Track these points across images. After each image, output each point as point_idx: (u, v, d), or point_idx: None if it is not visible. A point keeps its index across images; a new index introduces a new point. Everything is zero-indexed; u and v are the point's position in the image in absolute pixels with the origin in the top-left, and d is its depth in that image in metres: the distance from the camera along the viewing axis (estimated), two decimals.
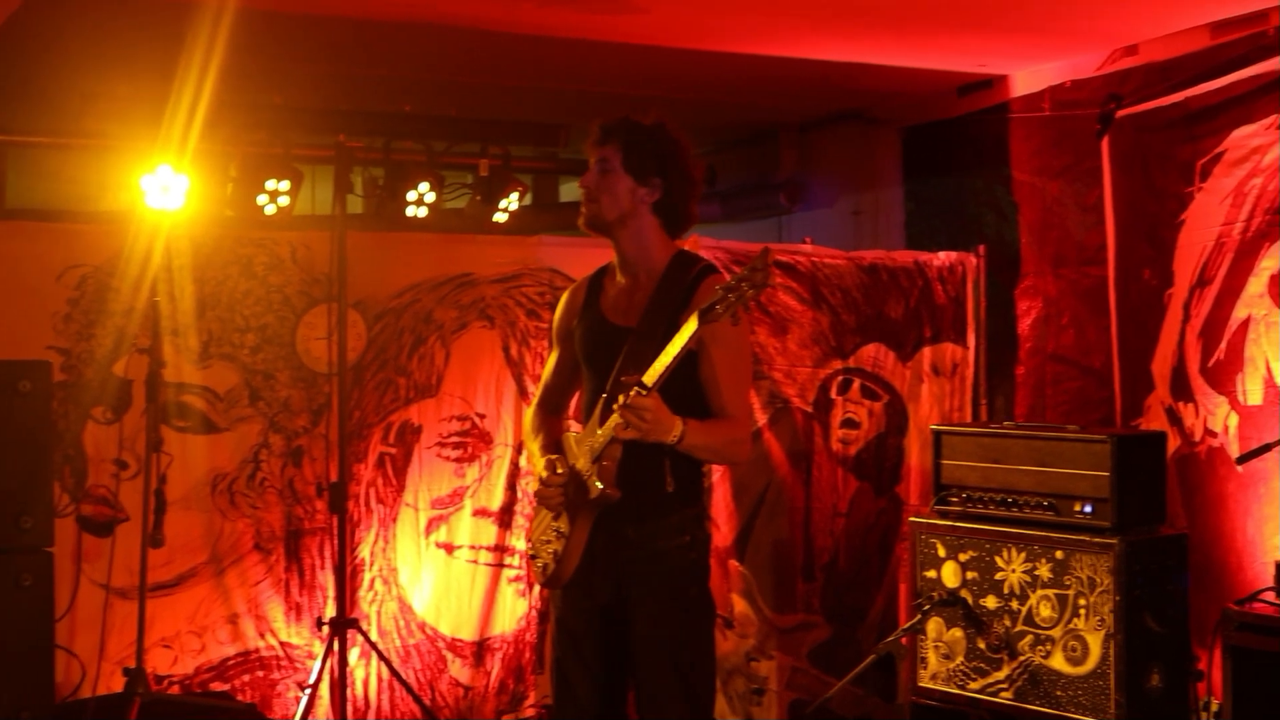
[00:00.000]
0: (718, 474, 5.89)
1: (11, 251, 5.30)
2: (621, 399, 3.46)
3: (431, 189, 6.01)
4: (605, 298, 3.87)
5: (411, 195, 6.00)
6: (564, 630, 3.84)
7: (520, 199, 6.38)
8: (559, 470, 3.72)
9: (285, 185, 5.73)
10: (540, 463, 3.79)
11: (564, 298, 4.02)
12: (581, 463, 3.69)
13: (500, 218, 6.31)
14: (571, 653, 3.81)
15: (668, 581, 3.70)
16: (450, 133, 6.29)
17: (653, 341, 3.63)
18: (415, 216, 6.03)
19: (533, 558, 3.86)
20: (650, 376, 3.48)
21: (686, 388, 3.58)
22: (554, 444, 3.88)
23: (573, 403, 4.09)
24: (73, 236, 5.45)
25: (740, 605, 5.97)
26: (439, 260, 5.88)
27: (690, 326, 3.45)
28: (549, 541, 3.77)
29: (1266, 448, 4.77)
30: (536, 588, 5.85)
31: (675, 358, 3.47)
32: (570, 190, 8.53)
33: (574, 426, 3.93)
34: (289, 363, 5.64)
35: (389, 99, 6.47)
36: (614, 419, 3.54)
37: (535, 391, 4.14)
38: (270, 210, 5.75)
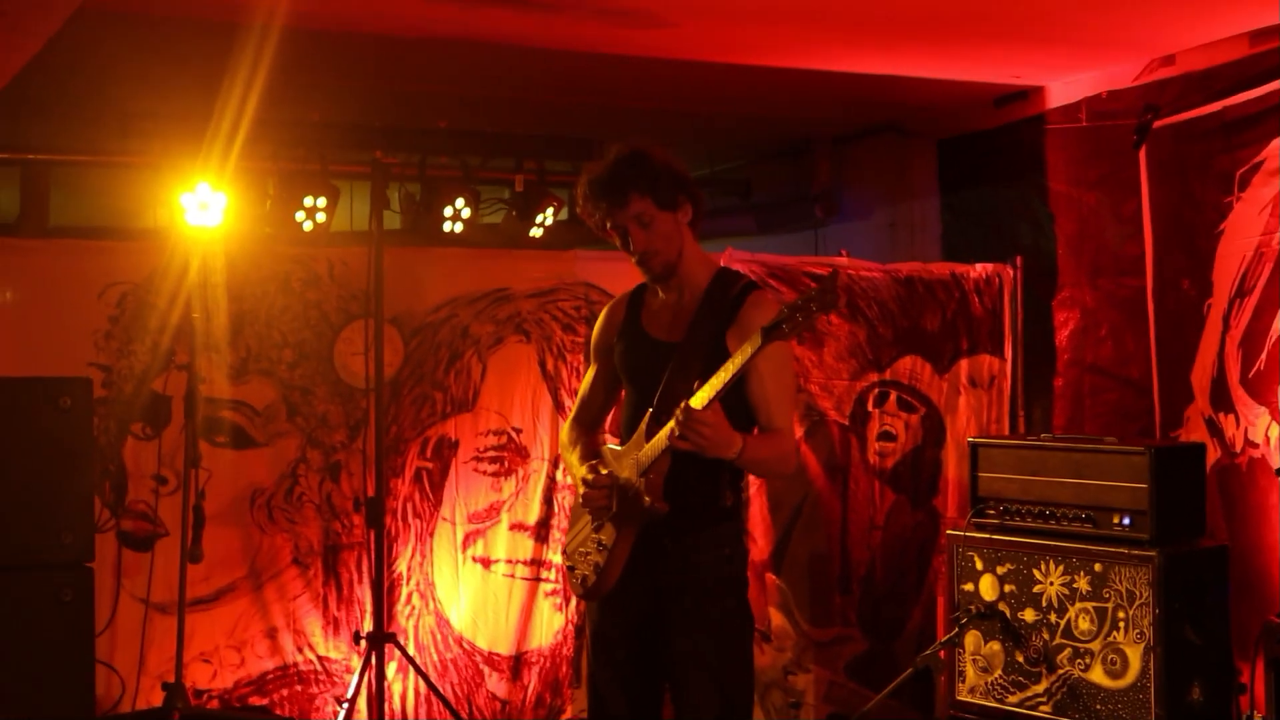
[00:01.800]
0: (754, 487, 5.88)
1: (54, 269, 5.36)
2: (679, 413, 3.46)
3: (467, 204, 6.04)
4: (646, 313, 3.88)
5: (448, 211, 6.02)
6: (600, 643, 3.85)
7: (556, 214, 6.40)
8: (603, 472, 3.73)
9: (322, 202, 5.76)
10: (582, 468, 3.80)
11: (603, 314, 4.03)
12: (626, 474, 3.69)
13: (536, 233, 6.33)
14: (608, 666, 3.81)
15: (708, 594, 3.72)
16: (485, 148, 6.33)
17: (698, 357, 3.66)
18: (451, 232, 6.05)
19: (570, 569, 3.87)
20: (705, 394, 3.49)
21: (733, 402, 3.58)
22: (592, 454, 3.89)
23: (608, 419, 4.11)
24: (113, 254, 5.50)
25: (777, 618, 5.96)
26: (475, 275, 5.90)
27: (754, 343, 3.43)
28: (589, 553, 3.78)
29: None
30: (574, 601, 5.85)
31: (736, 374, 3.47)
32: None
33: (610, 441, 3.94)
34: (326, 378, 5.66)
35: (425, 115, 6.50)
36: (665, 432, 3.55)
37: (571, 407, 4.13)
38: (308, 227, 5.79)
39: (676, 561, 3.70)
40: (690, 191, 3.80)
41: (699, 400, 3.48)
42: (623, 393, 3.97)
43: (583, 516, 3.86)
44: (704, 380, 3.53)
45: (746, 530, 5.69)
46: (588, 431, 4.03)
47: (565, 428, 4.07)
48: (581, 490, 3.77)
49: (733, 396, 3.56)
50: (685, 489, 3.66)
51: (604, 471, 3.74)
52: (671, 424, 3.51)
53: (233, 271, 5.52)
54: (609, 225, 3.77)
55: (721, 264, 3.94)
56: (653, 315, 3.86)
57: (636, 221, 3.71)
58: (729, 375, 3.47)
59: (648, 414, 3.69)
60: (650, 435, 3.64)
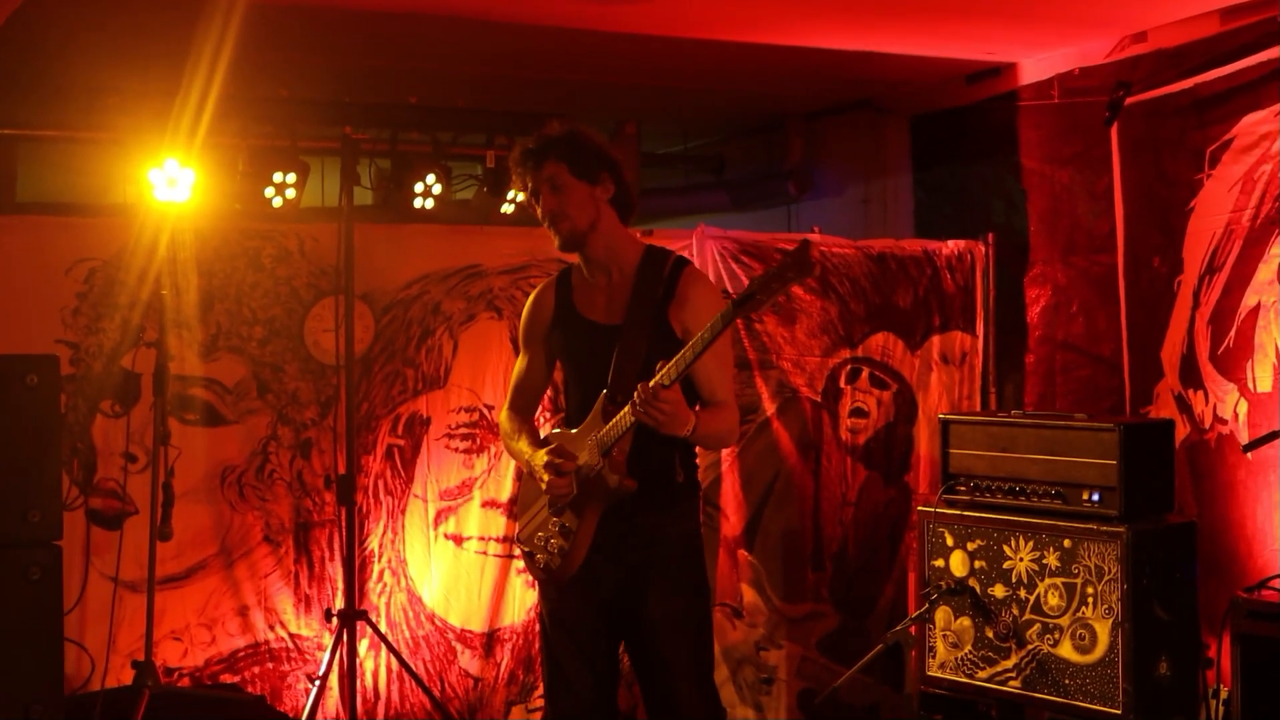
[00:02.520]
0: (726, 463, 5.90)
1: (21, 245, 5.30)
2: (639, 391, 3.49)
3: (438, 180, 6.01)
4: (579, 297, 3.93)
5: (419, 187, 6.00)
6: (560, 626, 3.89)
7: None
8: (564, 458, 3.76)
9: (292, 178, 5.73)
10: (542, 454, 3.81)
11: (530, 301, 4.08)
12: (584, 457, 3.73)
13: (507, 209, 6.31)
14: (570, 647, 3.86)
15: (677, 567, 3.81)
16: (456, 124, 6.29)
17: (643, 337, 3.73)
18: (422, 208, 6.02)
19: (529, 555, 3.90)
20: (671, 372, 3.51)
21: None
22: (539, 441, 3.93)
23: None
24: (81, 230, 5.45)
25: (749, 595, 5.98)
26: (447, 252, 5.87)
27: (725, 316, 3.45)
28: (549, 538, 3.81)
29: (1274, 435, 4.74)
30: None
31: (703, 349, 3.49)
32: None
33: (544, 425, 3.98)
34: (297, 355, 5.63)
35: (395, 91, 6.47)
36: (624, 413, 3.60)
37: (506, 394, 4.18)
38: (278, 203, 5.76)
39: (644, 536, 3.77)
40: (613, 170, 3.85)
41: (664, 377, 3.51)
42: (562, 376, 4.03)
43: (535, 502, 3.90)
44: (656, 359, 3.57)
45: (711, 504, 5.73)
46: (526, 417, 4.09)
47: (503, 417, 4.11)
48: (545, 478, 3.78)
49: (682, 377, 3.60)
50: (645, 466, 3.72)
51: (565, 457, 3.77)
52: (630, 405, 3.54)
53: (202, 248, 5.47)
54: (528, 191, 3.85)
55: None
56: (585, 299, 3.91)
57: (549, 184, 3.79)
58: (698, 350, 3.49)
59: (602, 395, 3.74)
60: (608, 415, 3.69)
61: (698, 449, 3.91)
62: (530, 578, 5.87)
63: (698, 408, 3.74)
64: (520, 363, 4.11)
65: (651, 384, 3.50)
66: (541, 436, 3.99)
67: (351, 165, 5.70)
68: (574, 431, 3.83)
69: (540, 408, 4.27)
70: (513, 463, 5.84)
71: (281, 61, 6.14)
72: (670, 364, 3.52)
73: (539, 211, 3.85)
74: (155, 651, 5.06)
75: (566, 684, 3.87)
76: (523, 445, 3.95)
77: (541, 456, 3.81)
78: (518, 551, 5.82)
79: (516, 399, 4.10)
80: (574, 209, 3.79)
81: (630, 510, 3.74)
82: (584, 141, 3.82)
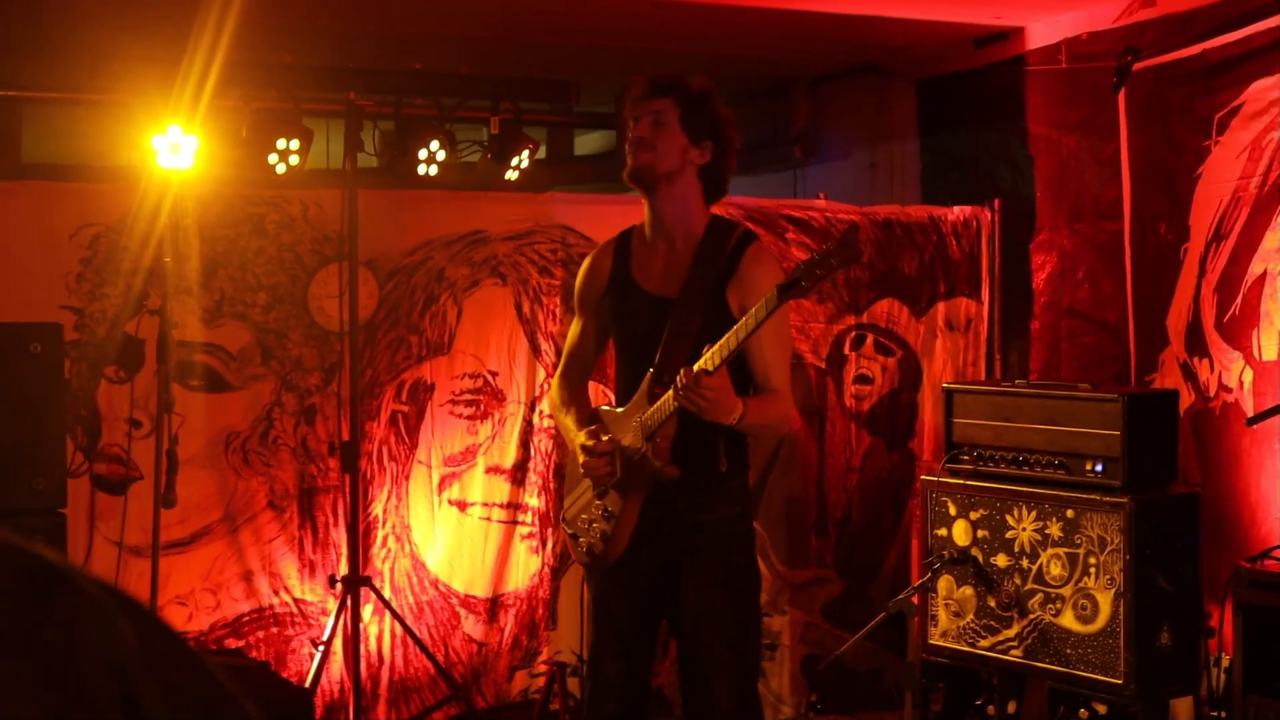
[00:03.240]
0: None
1: (25, 210, 5.31)
2: (681, 376, 3.37)
3: (442, 146, 5.98)
4: (636, 263, 3.78)
5: (423, 153, 5.96)
6: (602, 611, 3.80)
7: (532, 156, 6.35)
8: (603, 438, 3.66)
9: (295, 144, 5.69)
10: (581, 435, 3.71)
11: (587, 263, 3.93)
12: (629, 439, 3.62)
13: (511, 175, 6.28)
14: (608, 632, 3.78)
15: (718, 553, 3.67)
16: (461, 89, 6.25)
17: (697, 313, 3.58)
18: (426, 174, 6.00)
19: (574, 537, 3.80)
20: (715, 356, 3.39)
21: (730, 362, 3.47)
22: (588, 417, 3.81)
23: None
24: (86, 196, 5.45)
25: None
26: (451, 218, 5.85)
27: (769, 301, 3.33)
28: (593, 520, 3.72)
29: (1277, 409, 4.73)
30: (550, 544, 5.87)
31: (748, 335, 3.38)
32: (586, 144, 8.48)
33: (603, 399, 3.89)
34: (301, 321, 5.62)
35: (399, 56, 6.43)
36: (669, 396, 3.46)
37: (560, 361, 4.04)
38: (281, 170, 5.72)
39: (689, 524, 3.65)
40: (720, 143, 3.72)
41: (708, 362, 3.39)
42: (614, 347, 3.90)
43: (581, 482, 3.79)
44: (709, 340, 3.43)
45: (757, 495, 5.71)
46: (577, 387, 3.96)
47: (555, 385, 3.98)
48: (582, 459, 3.69)
49: (728, 361, 3.47)
50: (691, 452, 3.59)
51: (605, 438, 3.66)
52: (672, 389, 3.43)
53: (205, 214, 5.46)
54: (630, 114, 3.71)
55: (713, 212, 3.87)
56: (643, 266, 3.76)
57: (653, 116, 3.64)
58: (742, 335, 3.38)
59: (648, 374, 3.61)
60: (653, 397, 3.56)
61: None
62: (535, 544, 5.90)
63: (752, 393, 3.62)
64: (574, 328, 3.98)
65: (696, 368, 3.38)
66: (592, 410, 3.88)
67: (355, 131, 5.67)
68: (620, 411, 3.70)
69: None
70: (517, 429, 5.88)
71: (285, 27, 6.11)
72: (715, 348, 3.39)
73: (629, 134, 3.70)
74: (159, 616, 5.07)
75: (599, 666, 3.80)
76: (569, 421, 3.84)
77: (581, 436, 3.71)
78: (522, 518, 5.90)
79: (569, 367, 3.96)
80: (662, 146, 3.64)
81: (672, 497, 3.62)
82: (707, 103, 3.69)
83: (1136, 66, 5.75)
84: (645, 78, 3.72)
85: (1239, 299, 5.30)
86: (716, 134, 3.71)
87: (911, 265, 6.24)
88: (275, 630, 5.57)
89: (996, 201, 6.33)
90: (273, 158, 5.68)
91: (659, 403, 3.53)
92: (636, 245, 3.81)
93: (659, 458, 3.57)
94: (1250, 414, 5.07)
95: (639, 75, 3.76)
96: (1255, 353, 5.23)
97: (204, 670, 1.08)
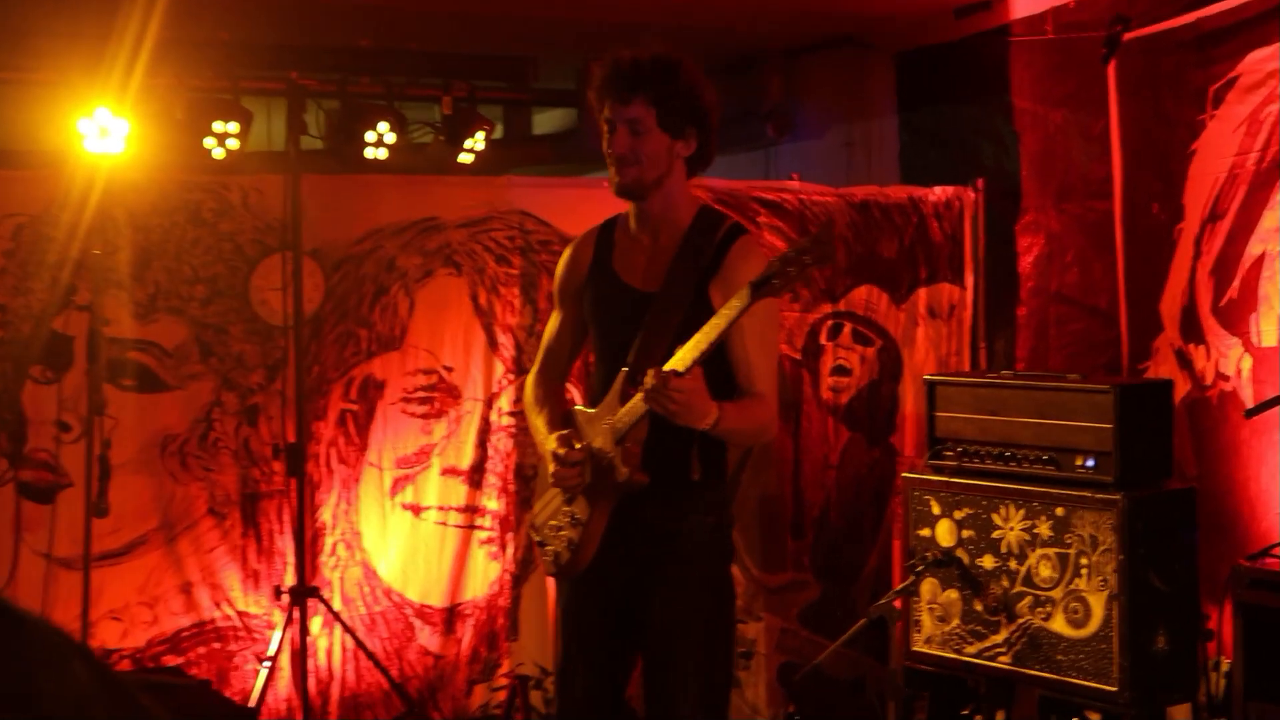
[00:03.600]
0: None
1: None
2: (650, 376, 3.28)
3: (392, 129, 5.91)
4: (618, 255, 3.70)
5: (370, 135, 5.89)
6: (570, 624, 3.74)
7: (487, 137, 6.27)
8: (576, 445, 3.58)
9: (234, 127, 5.63)
10: (552, 440, 3.63)
11: (567, 253, 3.85)
12: (599, 442, 3.55)
13: (466, 158, 6.21)
14: (575, 646, 3.71)
15: (690, 566, 3.60)
16: (411, 67, 6.18)
17: (678, 310, 3.51)
18: (375, 158, 5.91)
19: (541, 545, 3.74)
20: (687, 356, 3.31)
21: (710, 360, 3.37)
22: (561, 419, 3.74)
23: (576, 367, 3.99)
24: (7, 184, 5.33)
25: None
26: (401, 204, 5.74)
27: (741, 299, 3.26)
28: (561, 528, 3.65)
29: (1277, 400, 4.68)
30: (510, 549, 5.78)
31: (720, 335, 3.30)
32: (545, 122, 8.39)
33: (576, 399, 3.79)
34: (242, 315, 5.52)
35: (344, 32, 6.33)
36: (640, 397, 3.38)
37: (536, 357, 3.96)
38: (219, 154, 5.65)
39: (660, 534, 3.57)
40: (703, 125, 3.61)
41: (679, 362, 3.31)
42: (592, 344, 3.82)
43: (551, 487, 3.71)
44: (683, 339, 3.36)
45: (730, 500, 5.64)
46: (553, 385, 3.88)
47: (530, 382, 3.89)
48: (551, 467, 3.61)
49: (711, 355, 3.36)
50: (662, 458, 3.51)
51: (577, 445, 3.57)
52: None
53: (138, 202, 5.34)
54: (602, 117, 3.59)
55: (703, 202, 3.76)
56: (625, 257, 3.68)
57: (629, 126, 3.53)
58: (713, 336, 3.29)
59: (622, 373, 3.53)
60: (625, 398, 3.49)
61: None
62: (494, 549, 5.81)
63: (734, 397, 3.53)
64: (552, 322, 3.89)
65: (665, 369, 3.29)
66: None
67: (298, 113, 5.61)
68: (593, 411, 3.62)
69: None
70: (474, 428, 5.79)
71: (221, 2, 5.99)
72: (686, 347, 3.32)
73: (606, 144, 3.59)
74: (93, 632, 5.01)
75: (567, 682, 3.72)
76: (540, 422, 3.75)
77: (552, 442, 3.61)
78: (480, 522, 5.80)
79: (545, 364, 3.88)
80: (647, 158, 3.54)
81: (640, 505, 3.54)
82: (681, 87, 3.55)
83: (1127, 36, 5.68)
84: (609, 75, 3.57)
85: (1237, 282, 5.25)
86: (698, 118, 3.60)
87: (891, 249, 6.16)
88: (217, 646, 5.45)
89: (980, 181, 6.27)
90: (210, 141, 5.62)
91: (630, 404, 3.45)
92: (619, 236, 3.73)
93: (628, 463, 3.49)
94: (1249, 404, 5.03)
95: (600, 66, 3.61)
96: (1254, 339, 5.17)
97: (148, 713, 1.17)
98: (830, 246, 3.21)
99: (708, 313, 3.40)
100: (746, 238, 3.64)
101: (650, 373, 3.29)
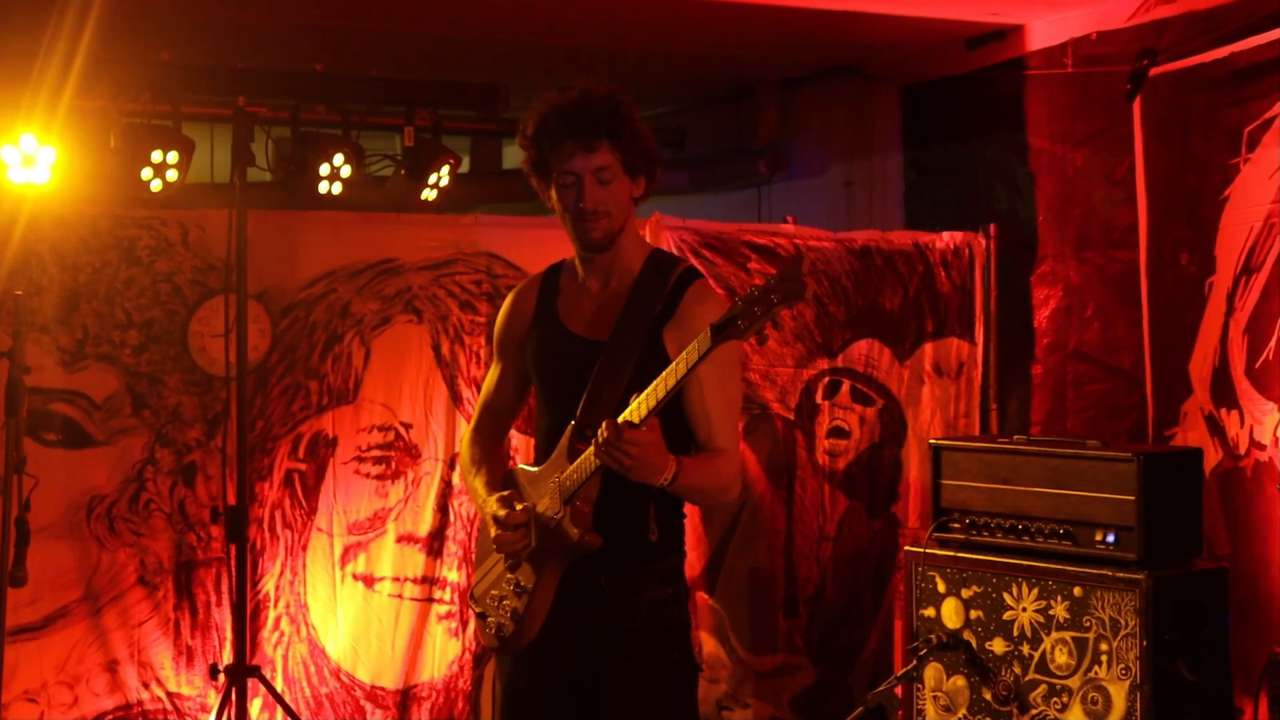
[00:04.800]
0: None
1: None
2: (603, 429, 3.31)
3: (347, 160, 5.95)
4: (564, 302, 3.76)
5: (324, 168, 5.94)
6: (514, 704, 3.75)
7: (453, 172, 6.32)
8: (517, 507, 3.60)
9: (174, 157, 5.67)
10: (492, 502, 3.66)
11: (509, 300, 3.91)
12: (545, 503, 3.59)
13: (429, 195, 6.26)
14: None
15: (648, 643, 3.63)
16: (369, 94, 6.23)
17: (629, 359, 3.56)
18: (329, 193, 5.96)
19: (482, 616, 3.77)
20: (642, 406, 3.35)
21: (666, 413, 3.41)
22: (500, 480, 3.78)
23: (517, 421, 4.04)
24: None
25: (710, 645, 5.94)
26: (357, 243, 5.80)
27: (702, 343, 3.28)
28: (504, 598, 3.68)
29: None
30: (471, 626, 5.79)
31: (679, 382, 3.33)
32: (516, 155, 8.43)
33: (518, 458, 3.83)
34: (179, 364, 5.55)
35: (297, 55, 6.39)
36: (590, 452, 3.42)
37: (472, 414, 4.03)
38: (156, 186, 5.68)
39: (612, 604, 3.61)
40: (652, 168, 3.68)
41: (633, 413, 3.35)
42: (535, 398, 3.86)
43: (492, 554, 3.74)
44: (636, 389, 3.39)
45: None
46: (491, 444, 3.93)
47: (465, 442, 3.95)
48: (493, 531, 3.63)
49: (667, 407, 3.40)
50: (615, 517, 3.54)
51: (519, 506, 3.61)
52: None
53: (66, 238, 5.37)
54: (558, 169, 3.59)
55: (652, 232, 3.83)
56: (572, 304, 3.75)
57: (596, 175, 3.57)
58: (671, 383, 3.33)
59: (569, 428, 3.58)
60: (574, 454, 3.53)
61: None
62: (454, 625, 5.84)
63: (692, 450, 3.59)
64: (491, 375, 3.95)
65: (620, 420, 3.33)
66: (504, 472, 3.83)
67: (244, 142, 5.63)
68: (537, 470, 3.67)
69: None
70: (434, 490, 5.84)
71: (162, 19, 6.05)
72: (641, 396, 3.36)
73: (566, 196, 3.60)
74: (5, 715, 4.98)
75: None
76: (478, 484, 3.80)
77: (491, 505, 3.65)
78: (440, 595, 5.82)
79: (483, 419, 3.94)
80: (615, 207, 3.61)
81: (592, 571, 3.57)
82: (639, 130, 3.62)
83: (1153, 72, 5.77)
84: (565, 122, 3.58)
85: (1274, 341, 5.31)
86: (650, 157, 3.68)
87: (894, 300, 6.24)
88: None
89: (992, 227, 6.36)
90: (147, 172, 5.65)
91: (579, 460, 3.50)
92: (565, 282, 3.80)
93: (578, 524, 3.52)
94: None
95: (544, 115, 3.61)
96: None
97: None
98: (799, 283, 3.21)
99: (662, 360, 3.45)
100: (701, 281, 3.70)
101: (604, 424, 3.32)
